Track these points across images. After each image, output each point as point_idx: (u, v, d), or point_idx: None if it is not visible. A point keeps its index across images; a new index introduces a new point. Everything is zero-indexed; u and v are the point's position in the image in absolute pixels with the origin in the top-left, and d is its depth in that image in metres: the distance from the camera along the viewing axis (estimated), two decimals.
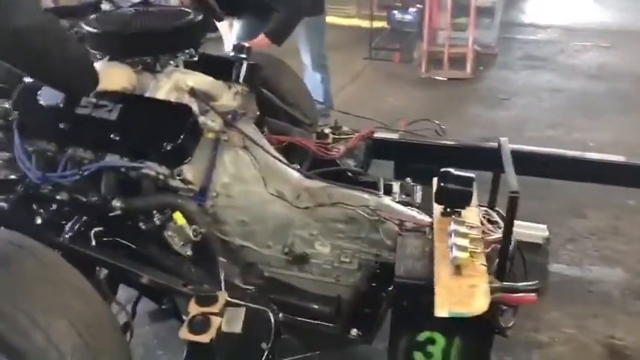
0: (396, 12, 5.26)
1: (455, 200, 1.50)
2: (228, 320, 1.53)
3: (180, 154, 1.66)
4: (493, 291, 1.24)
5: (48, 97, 1.69)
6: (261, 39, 2.88)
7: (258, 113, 2.11)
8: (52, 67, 1.51)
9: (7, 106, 1.78)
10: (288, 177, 1.89)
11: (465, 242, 1.30)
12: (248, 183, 1.83)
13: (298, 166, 2.00)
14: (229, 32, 3.32)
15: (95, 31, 1.74)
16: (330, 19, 5.00)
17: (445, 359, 1.40)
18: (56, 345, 1.22)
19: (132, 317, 1.76)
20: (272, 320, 1.60)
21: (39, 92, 1.70)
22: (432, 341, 1.40)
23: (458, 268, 1.28)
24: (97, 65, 1.69)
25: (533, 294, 1.30)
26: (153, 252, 1.68)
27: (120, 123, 1.66)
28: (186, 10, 1.93)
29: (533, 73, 4.83)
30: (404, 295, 1.41)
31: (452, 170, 1.52)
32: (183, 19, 1.83)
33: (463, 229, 1.36)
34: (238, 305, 1.57)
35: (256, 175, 1.82)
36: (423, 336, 1.40)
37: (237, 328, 1.52)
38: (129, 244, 1.68)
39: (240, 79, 1.98)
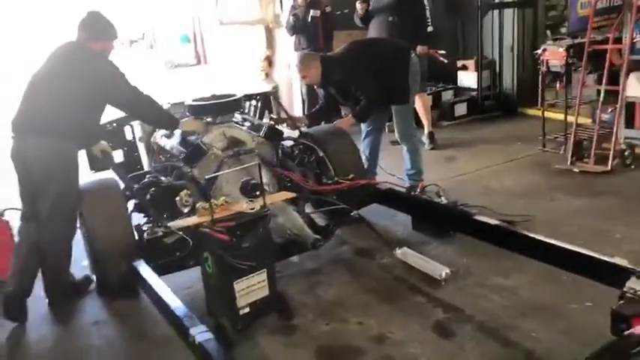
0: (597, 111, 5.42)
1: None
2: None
3: (189, 161, 3.45)
4: (204, 224, 2.59)
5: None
6: (349, 119, 4.33)
7: (275, 155, 3.73)
8: (154, 116, 3.55)
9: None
10: None
11: (205, 205, 2.67)
12: (230, 184, 3.43)
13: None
14: None
15: (189, 103, 3.73)
16: (547, 114, 5.69)
17: (209, 269, 2.73)
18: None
19: None
20: None
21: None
22: (206, 258, 2.76)
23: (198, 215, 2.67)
24: (185, 118, 3.67)
25: (224, 236, 2.55)
26: (171, 207, 3.46)
27: (180, 145, 3.58)
28: (235, 94, 3.73)
29: None
30: None
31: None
32: (226, 99, 3.65)
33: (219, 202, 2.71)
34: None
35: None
36: (205, 255, 2.77)
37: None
38: (165, 199, 3.51)
39: (261, 134, 3.66)
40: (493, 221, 3.06)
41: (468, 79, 7.24)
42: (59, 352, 2.98)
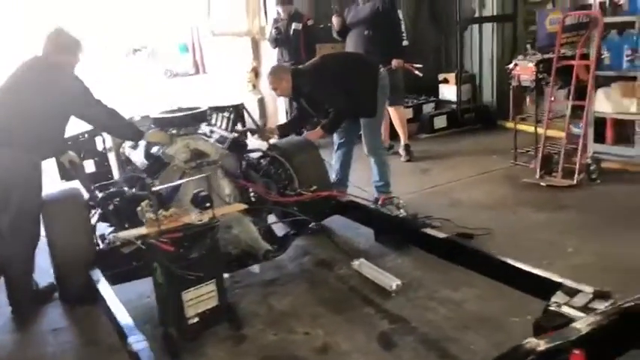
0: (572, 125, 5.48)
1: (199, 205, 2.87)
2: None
3: (152, 172, 3.52)
4: (150, 235, 2.65)
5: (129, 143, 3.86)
6: (318, 130, 4.40)
7: (239, 166, 3.80)
8: (119, 128, 3.64)
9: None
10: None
11: (153, 216, 2.73)
12: (189, 196, 3.51)
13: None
14: None
15: (154, 116, 3.81)
16: (522, 127, 5.79)
17: (158, 279, 2.80)
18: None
19: None
20: None
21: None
22: (155, 268, 2.82)
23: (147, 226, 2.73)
24: (151, 130, 3.75)
25: (169, 247, 2.62)
26: (133, 217, 3.52)
27: (144, 156, 3.66)
28: (200, 108, 3.80)
29: None
30: None
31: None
32: (188, 113, 3.73)
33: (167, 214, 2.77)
34: None
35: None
36: (154, 266, 2.84)
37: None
38: (127, 210, 3.58)
39: (225, 146, 3.74)
40: (440, 235, 3.12)
41: (449, 92, 7.32)
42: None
